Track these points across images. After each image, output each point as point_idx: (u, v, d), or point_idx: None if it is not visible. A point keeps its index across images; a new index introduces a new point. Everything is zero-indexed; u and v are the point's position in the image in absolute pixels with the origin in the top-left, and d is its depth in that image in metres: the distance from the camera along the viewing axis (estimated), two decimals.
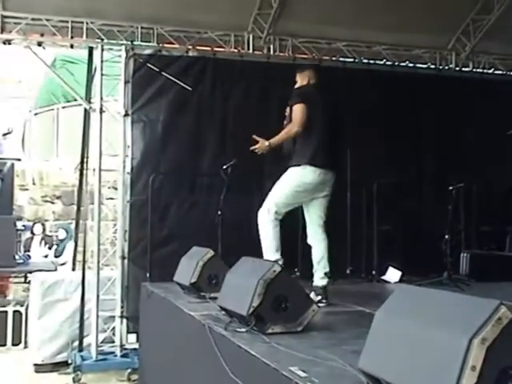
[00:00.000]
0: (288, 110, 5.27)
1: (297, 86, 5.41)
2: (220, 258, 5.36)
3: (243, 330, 3.56)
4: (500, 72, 8.54)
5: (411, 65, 8.16)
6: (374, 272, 6.82)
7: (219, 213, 6.44)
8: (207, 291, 4.96)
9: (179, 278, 5.42)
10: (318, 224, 5.13)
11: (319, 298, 4.82)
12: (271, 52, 7.68)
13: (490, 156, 7.72)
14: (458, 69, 8.38)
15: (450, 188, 6.51)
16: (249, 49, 7.60)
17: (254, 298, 3.47)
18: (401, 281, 6.63)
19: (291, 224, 6.80)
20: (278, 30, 7.64)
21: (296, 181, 5.02)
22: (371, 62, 7.97)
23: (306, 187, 5.03)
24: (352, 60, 7.93)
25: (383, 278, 6.72)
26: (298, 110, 5.06)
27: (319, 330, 3.65)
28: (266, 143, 5.17)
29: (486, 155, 7.68)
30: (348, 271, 6.79)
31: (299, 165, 5.02)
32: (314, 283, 4.99)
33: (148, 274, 6.67)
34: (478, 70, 8.48)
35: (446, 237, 6.38)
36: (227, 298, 3.98)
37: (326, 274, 4.99)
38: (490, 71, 8.54)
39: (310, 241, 5.17)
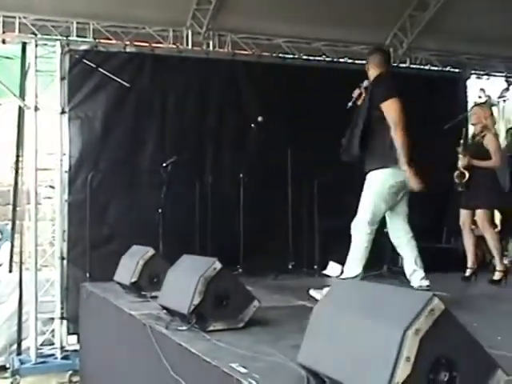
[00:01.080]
0: (356, 92, 4.89)
1: (373, 73, 4.80)
2: (161, 256, 5.30)
3: (184, 328, 3.52)
4: (436, 68, 8.71)
5: (350, 61, 8.23)
6: (315, 267, 6.88)
7: (160, 211, 6.38)
8: (148, 290, 4.89)
9: (119, 278, 5.34)
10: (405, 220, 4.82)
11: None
12: (210, 48, 7.65)
13: (428, 151, 7.86)
14: (395, 65, 8.49)
15: None
16: (188, 44, 7.55)
17: (194, 296, 3.45)
18: (342, 275, 6.70)
19: (233, 220, 6.83)
20: (217, 26, 7.61)
21: (388, 183, 4.59)
22: (310, 58, 8.02)
23: (399, 186, 4.63)
24: (291, 56, 7.97)
25: (324, 272, 6.79)
26: (395, 107, 4.54)
27: (260, 325, 3.64)
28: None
29: (424, 150, 7.80)
30: (290, 266, 6.83)
31: (387, 166, 4.55)
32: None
33: (88, 275, 6.56)
34: (415, 66, 8.63)
35: (386, 230, 6.47)
36: (168, 296, 3.94)
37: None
38: (427, 67, 8.70)
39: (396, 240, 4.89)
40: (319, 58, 8.09)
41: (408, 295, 2.03)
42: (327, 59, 8.12)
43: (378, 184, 4.62)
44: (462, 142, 6.21)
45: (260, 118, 6.44)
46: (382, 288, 2.22)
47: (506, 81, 9.52)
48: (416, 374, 1.82)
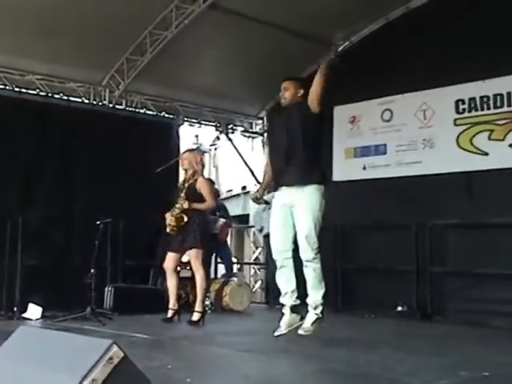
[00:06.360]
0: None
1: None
2: None
3: None
4: (151, 112, 8.93)
5: (65, 97, 8.08)
6: (15, 309, 6.51)
7: None
8: None
9: None
10: None
11: None
12: None
13: (138, 193, 8.00)
14: (111, 106, 8.55)
15: (98, 223, 6.55)
16: None
17: None
18: (43, 317, 6.45)
19: None
20: None
21: (323, 204, 4.77)
22: (23, 90, 7.72)
23: None
24: (3, 87, 7.60)
25: (24, 315, 6.46)
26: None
27: None
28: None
29: (135, 192, 7.94)
30: None
31: (321, 183, 4.81)
32: None
33: None
34: (131, 109, 8.76)
35: (92, 271, 6.41)
36: None
37: None
38: (142, 111, 8.88)
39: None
40: (33, 92, 7.82)
41: (89, 343, 2.02)
42: (41, 94, 7.87)
43: (320, 205, 4.81)
44: (182, 186, 6.38)
45: None
46: (65, 337, 2.18)
47: (216, 130, 10.10)
48: None
